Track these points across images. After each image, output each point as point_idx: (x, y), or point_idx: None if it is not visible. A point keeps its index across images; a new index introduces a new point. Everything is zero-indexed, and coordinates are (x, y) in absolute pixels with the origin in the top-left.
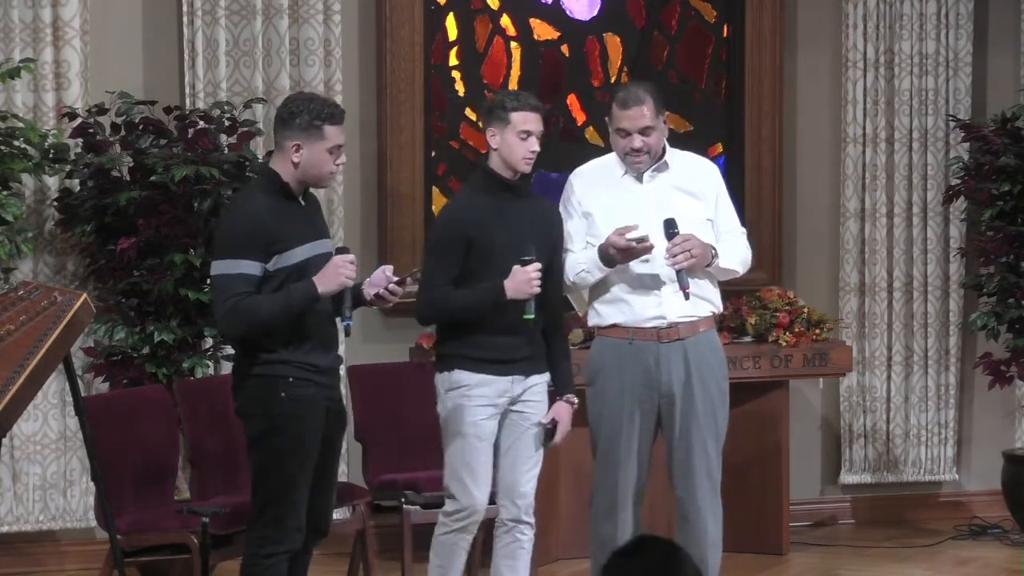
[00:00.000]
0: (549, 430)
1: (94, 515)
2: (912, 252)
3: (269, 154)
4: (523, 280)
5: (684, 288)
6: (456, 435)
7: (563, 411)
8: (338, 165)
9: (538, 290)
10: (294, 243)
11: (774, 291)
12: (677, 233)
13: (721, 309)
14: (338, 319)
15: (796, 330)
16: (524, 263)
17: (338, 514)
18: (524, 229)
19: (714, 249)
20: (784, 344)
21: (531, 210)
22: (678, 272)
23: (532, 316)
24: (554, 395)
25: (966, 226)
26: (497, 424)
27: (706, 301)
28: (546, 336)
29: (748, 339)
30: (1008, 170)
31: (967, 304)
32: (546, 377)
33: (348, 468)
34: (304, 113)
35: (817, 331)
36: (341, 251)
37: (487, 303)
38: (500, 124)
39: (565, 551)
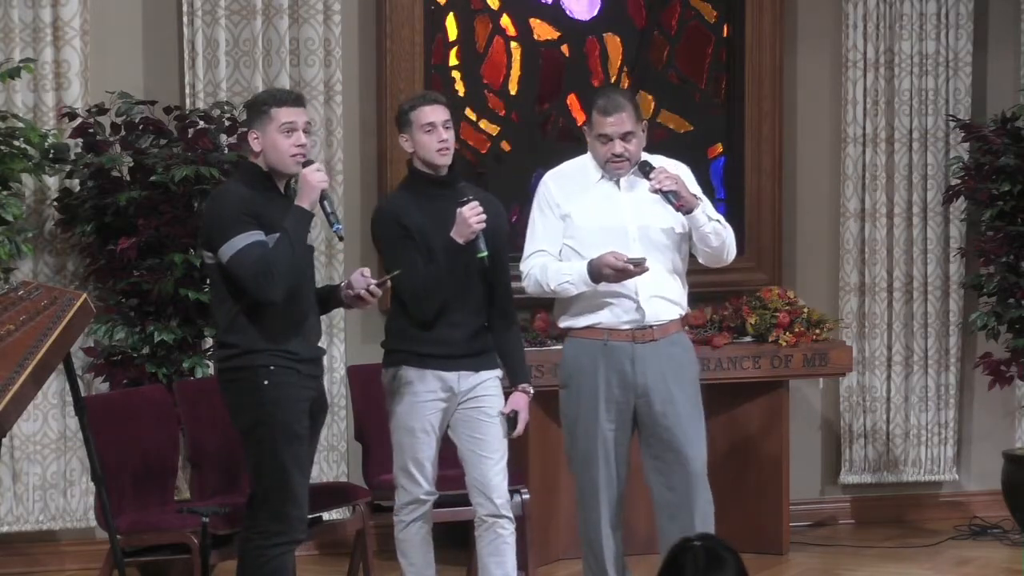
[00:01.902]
0: (512, 420)
1: (94, 515)
2: (912, 252)
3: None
4: (463, 223)
5: (677, 206)
6: (403, 431)
7: (520, 401)
8: (299, 147)
9: (482, 225)
10: (278, 230)
11: (774, 291)
12: (652, 168)
13: (687, 310)
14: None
15: (796, 330)
16: (461, 204)
17: (338, 514)
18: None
19: (698, 198)
20: (784, 344)
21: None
22: (664, 194)
23: (485, 253)
24: (510, 388)
25: (966, 226)
26: (443, 416)
27: (675, 304)
28: (494, 329)
29: (748, 339)
30: (1008, 170)
31: (967, 304)
32: (498, 372)
33: (348, 468)
34: (255, 104)
35: (817, 331)
36: (305, 164)
37: (449, 260)
38: (407, 127)
39: (565, 551)
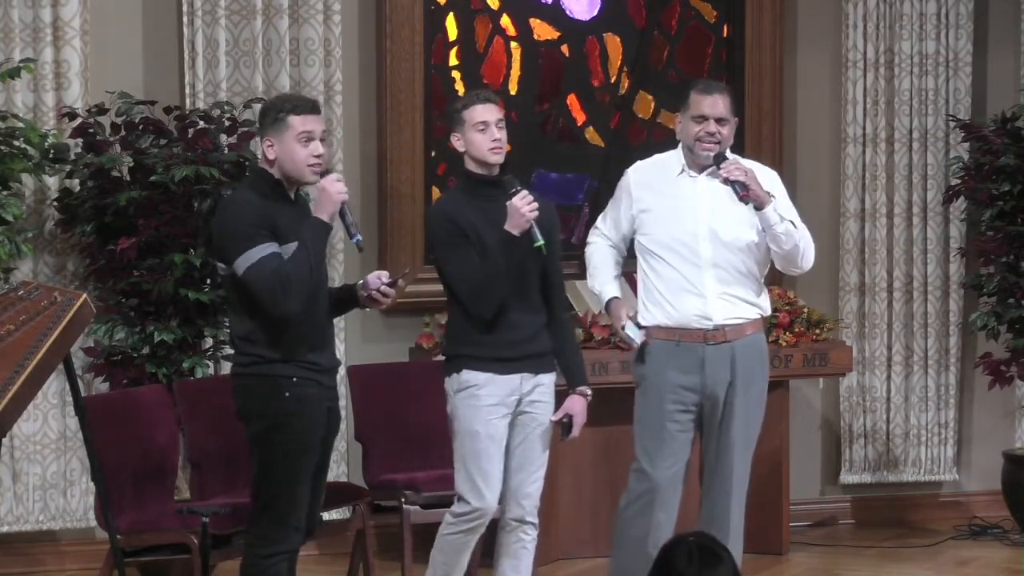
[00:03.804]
0: (566, 424)
1: (94, 515)
2: (912, 252)
3: None
4: (515, 214)
5: (742, 195)
6: (468, 436)
7: (577, 404)
8: (317, 157)
9: (535, 215)
10: (289, 239)
11: (774, 291)
12: (725, 158)
13: (768, 312)
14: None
15: (796, 330)
16: (511, 196)
17: (338, 514)
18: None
19: (771, 196)
20: (784, 344)
21: None
22: (732, 183)
23: (541, 242)
24: (564, 392)
25: (966, 226)
26: (507, 424)
27: (751, 304)
28: (551, 330)
29: None
30: (1008, 170)
31: (967, 304)
32: (554, 376)
33: (348, 468)
34: (271, 110)
35: (817, 331)
36: (324, 173)
37: (506, 255)
38: (459, 126)
39: (565, 551)
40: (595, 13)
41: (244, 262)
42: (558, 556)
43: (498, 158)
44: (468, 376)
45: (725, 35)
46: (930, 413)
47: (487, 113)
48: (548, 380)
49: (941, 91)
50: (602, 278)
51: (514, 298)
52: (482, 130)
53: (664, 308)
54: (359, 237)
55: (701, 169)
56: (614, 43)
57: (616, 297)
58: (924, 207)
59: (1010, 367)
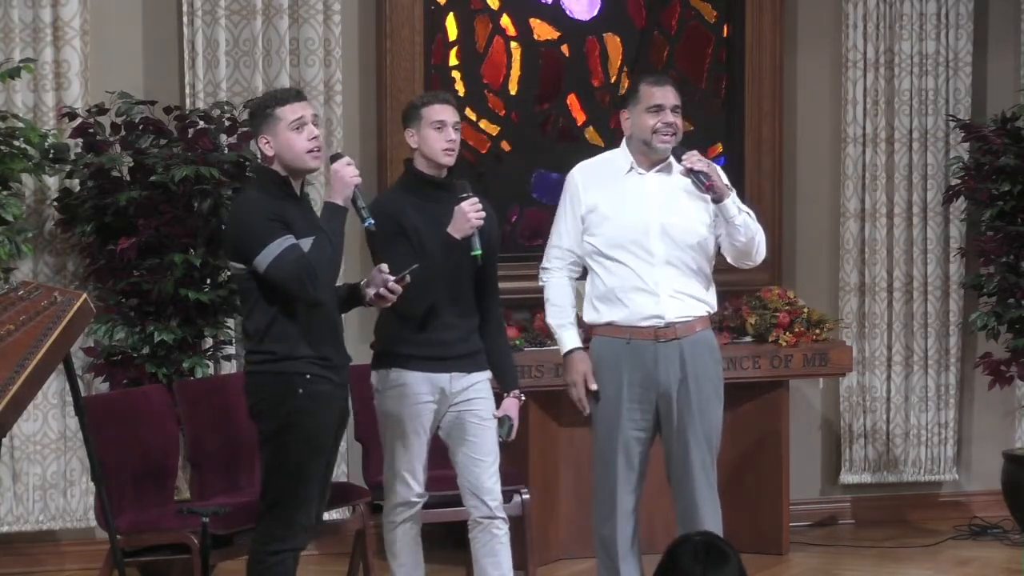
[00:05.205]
0: (507, 425)
1: (94, 515)
2: (912, 252)
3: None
4: (461, 218)
5: (707, 185)
6: (395, 433)
7: (511, 407)
8: (312, 141)
9: (480, 223)
10: (300, 236)
11: (774, 291)
12: (685, 150)
13: (715, 309)
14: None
15: (796, 330)
16: (460, 200)
17: (338, 514)
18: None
19: (729, 188)
20: (784, 344)
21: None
22: (695, 174)
23: (479, 251)
24: (499, 396)
25: (966, 226)
26: (434, 418)
27: (700, 301)
28: (484, 333)
29: (748, 339)
30: (1008, 170)
31: (967, 304)
32: (488, 374)
33: (348, 468)
34: (258, 109)
35: (817, 331)
36: (336, 157)
37: (443, 257)
38: (415, 122)
39: (565, 551)
40: (595, 13)
41: (266, 257)
42: (558, 556)
43: (450, 160)
44: (396, 375)
45: (725, 35)
46: (930, 413)
47: (445, 113)
48: (483, 377)
49: (941, 91)
50: (560, 317)
51: (448, 299)
52: (438, 128)
53: (616, 306)
54: (371, 221)
55: (651, 166)
56: (614, 43)
57: (579, 349)
58: (924, 207)
59: (1010, 367)
